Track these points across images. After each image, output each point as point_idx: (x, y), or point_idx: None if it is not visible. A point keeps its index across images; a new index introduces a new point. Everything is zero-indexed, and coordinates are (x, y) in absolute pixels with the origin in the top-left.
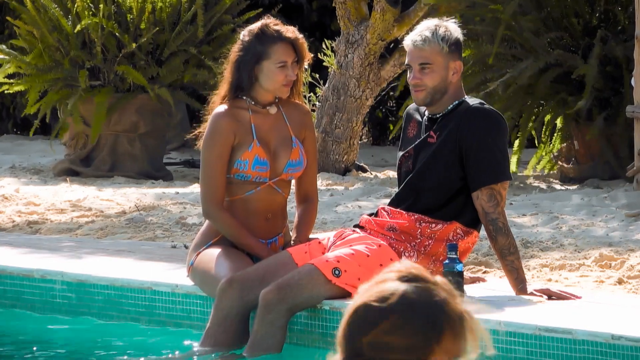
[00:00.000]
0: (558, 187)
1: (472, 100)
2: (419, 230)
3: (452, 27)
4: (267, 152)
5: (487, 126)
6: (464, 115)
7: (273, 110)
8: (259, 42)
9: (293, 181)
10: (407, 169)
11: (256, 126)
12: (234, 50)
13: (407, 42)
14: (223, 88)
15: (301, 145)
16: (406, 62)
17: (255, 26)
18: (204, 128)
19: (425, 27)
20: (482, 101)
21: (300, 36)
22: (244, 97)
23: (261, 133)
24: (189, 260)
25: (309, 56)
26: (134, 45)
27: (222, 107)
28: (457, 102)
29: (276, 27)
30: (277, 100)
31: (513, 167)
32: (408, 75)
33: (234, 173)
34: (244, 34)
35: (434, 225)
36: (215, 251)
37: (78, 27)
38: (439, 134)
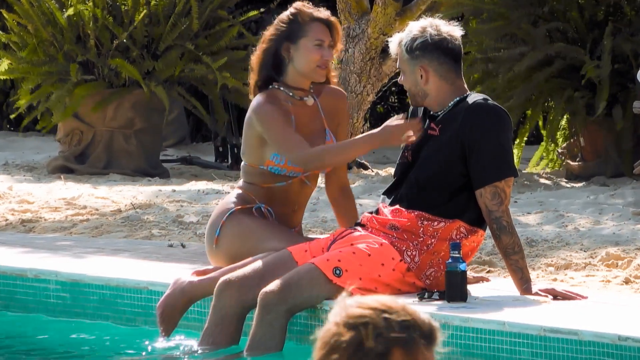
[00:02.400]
0: (564, 184)
1: (476, 96)
2: (421, 229)
3: (437, 27)
4: None
5: (491, 122)
6: (466, 111)
7: (310, 101)
8: (295, 21)
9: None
10: (404, 159)
11: (296, 118)
12: (267, 34)
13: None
14: (252, 79)
15: (334, 138)
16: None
17: (290, 9)
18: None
19: (406, 31)
20: (486, 97)
21: (336, 22)
22: (280, 88)
23: (300, 125)
24: (212, 233)
25: (340, 44)
26: (125, 34)
27: (260, 97)
28: (458, 98)
29: (311, 9)
30: (312, 90)
31: (531, 166)
32: None
33: (268, 165)
34: (279, 17)
35: (436, 223)
36: (244, 217)
37: (69, 11)
38: (441, 127)
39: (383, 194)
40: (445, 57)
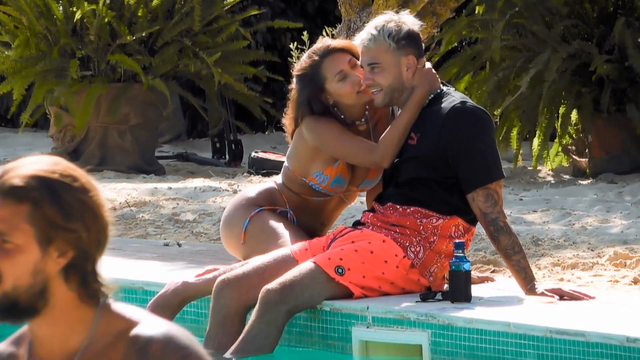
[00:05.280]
0: (571, 181)
1: (453, 95)
2: (421, 227)
3: (405, 20)
4: (349, 169)
5: (473, 126)
6: (446, 116)
7: (362, 127)
8: (306, 75)
9: None
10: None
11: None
12: (292, 97)
13: (357, 42)
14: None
15: None
16: (359, 63)
17: (297, 69)
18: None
19: (372, 25)
20: (465, 98)
21: (340, 41)
22: (335, 109)
23: None
24: (235, 223)
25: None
26: (129, 37)
27: (314, 115)
28: (432, 94)
29: (310, 52)
30: (367, 113)
31: (534, 164)
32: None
33: (310, 181)
34: (294, 80)
35: (434, 220)
36: (272, 218)
37: (77, 16)
38: (420, 135)
39: (375, 200)
40: (422, 51)
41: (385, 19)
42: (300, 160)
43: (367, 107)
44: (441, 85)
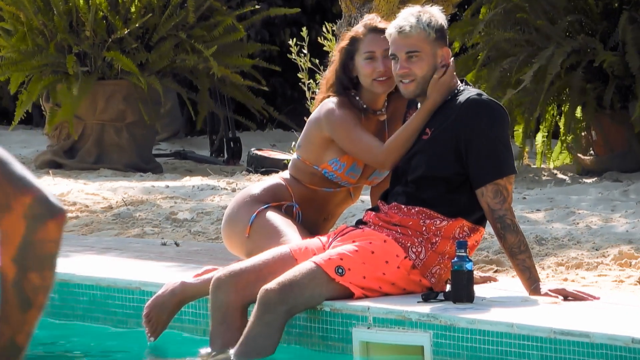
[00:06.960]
0: (574, 180)
1: (470, 91)
2: (424, 227)
3: (436, 13)
4: None
5: (487, 119)
6: (460, 108)
7: (383, 117)
8: (351, 42)
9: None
10: (397, 164)
11: (365, 129)
12: (334, 58)
13: (391, 30)
14: (323, 88)
15: None
16: (390, 51)
17: (350, 32)
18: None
19: (408, 14)
20: (480, 91)
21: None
22: (357, 98)
23: None
24: (241, 219)
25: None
26: (125, 30)
27: (333, 102)
28: (450, 96)
29: (368, 22)
30: (386, 104)
31: (538, 163)
32: (393, 66)
33: (324, 169)
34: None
35: (438, 221)
36: (277, 215)
37: (70, 4)
38: (434, 129)
39: (380, 198)
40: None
41: (418, 9)
42: (313, 148)
43: (385, 101)
44: (459, 84)
